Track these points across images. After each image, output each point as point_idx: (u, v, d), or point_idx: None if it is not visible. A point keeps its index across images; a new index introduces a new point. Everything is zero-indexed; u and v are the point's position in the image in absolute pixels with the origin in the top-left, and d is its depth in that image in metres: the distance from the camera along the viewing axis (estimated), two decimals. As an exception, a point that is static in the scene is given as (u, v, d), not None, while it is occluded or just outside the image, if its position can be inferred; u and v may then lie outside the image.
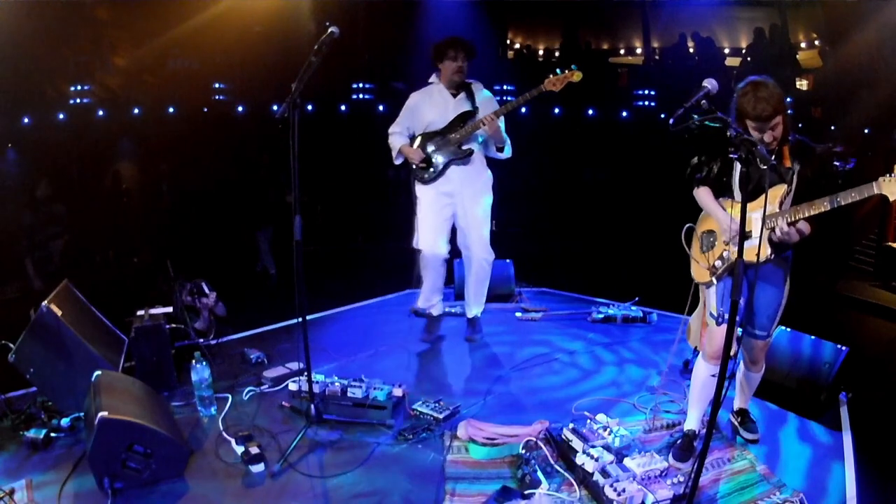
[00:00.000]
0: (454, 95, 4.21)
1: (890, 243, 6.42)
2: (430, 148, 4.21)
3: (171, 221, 6.77)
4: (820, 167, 2.77)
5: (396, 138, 4.29)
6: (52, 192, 6.42)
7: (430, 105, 4.21)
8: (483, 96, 4.23)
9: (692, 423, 3.12)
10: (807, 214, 2.63)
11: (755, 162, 2.31)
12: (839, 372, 3.51)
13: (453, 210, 4.32)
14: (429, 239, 4.32)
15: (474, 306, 4.59)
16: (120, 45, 6.99)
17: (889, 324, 5.44)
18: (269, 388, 3.76)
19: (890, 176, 2.45)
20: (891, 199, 2.47)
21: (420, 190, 4.33)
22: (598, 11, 8.73)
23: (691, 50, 8.65)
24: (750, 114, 2.63)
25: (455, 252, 4.53)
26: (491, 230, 4.41)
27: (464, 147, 4.18)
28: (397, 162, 4.35)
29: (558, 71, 3.94)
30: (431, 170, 4.24)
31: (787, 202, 2.77)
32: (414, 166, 4.27)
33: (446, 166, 4.22)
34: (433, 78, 4.27)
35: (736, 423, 3.35)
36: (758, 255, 2.73)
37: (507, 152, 4.26)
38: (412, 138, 4.29)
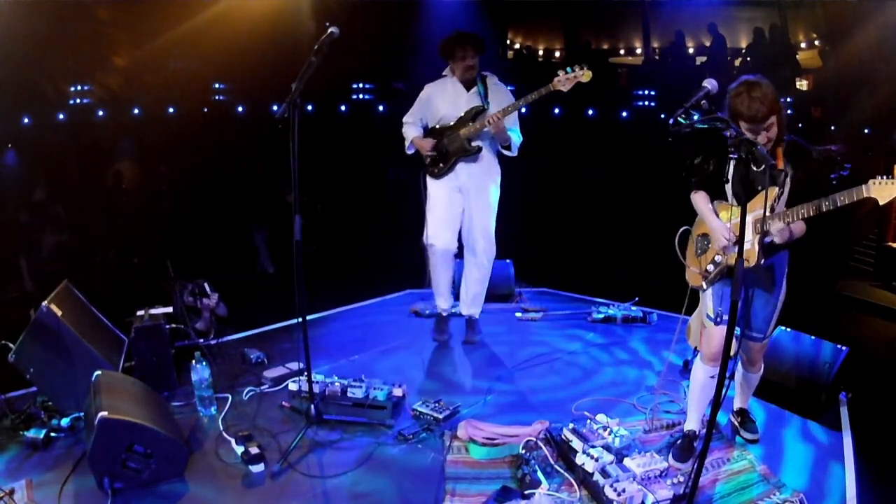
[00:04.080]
0: (468, 89, 4.18)
1: (890, 243, 6.42)
2: (442, 142, 4.20)
3: (171, 221, 6.76)
4: (815, 170, 2.72)
5: (410, 128, 4.30)
6: (50, 193, 6.44)
7: (443, 98, 4.19)
8: (497, 90, 4.18)
9: (692, 423, 3.12)
10: (796, 218, 2.58)
11: (754, 162, 2.30)
12: (839, 372, 3.51)
13: (463, 205, 4.32)
14: (441, 233, 4.30)
15: (473, 306, 4.56)
16: (120, 45, 6.97)
17: (889, 324, 5.43)
18: (269, 388, 3.76)
19: (881, 178, 2.39)
20: (881, 202, 2.41)
21: (431, 185, 4.33)
22: (598, 11, 8.72)
23: (691, 50, 8.66)
24: (744, 114, 2.57)
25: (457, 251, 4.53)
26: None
27: (473, 143, 4.17)
28: (409, 152, 4.36)
29: (568, 69, 3.81)
30: (441, 164, 4.23)
31: (778, 205, 2.73)
32: (427, 160, 4.27)
33: (455, 162, 4.22)
34: (447, 71, 4.24)
35: (736, 423, 3.34)
36: (751, 260, 2.69)
37: (514, 151, 4.23)
38: (425, 129, 4.29)
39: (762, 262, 2.75)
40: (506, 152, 4.25)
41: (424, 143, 4.21)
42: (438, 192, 4.31)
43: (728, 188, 2.87)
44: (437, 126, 4.24)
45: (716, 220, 2.89)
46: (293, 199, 3.07)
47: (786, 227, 2.63)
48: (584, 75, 3.80)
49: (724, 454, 3.12)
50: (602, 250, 6.70)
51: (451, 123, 4.18)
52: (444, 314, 4.61)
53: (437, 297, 4.58)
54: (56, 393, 3.33)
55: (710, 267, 2.94)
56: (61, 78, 6.78)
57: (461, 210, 4.33)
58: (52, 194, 6.47)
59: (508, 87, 4.26)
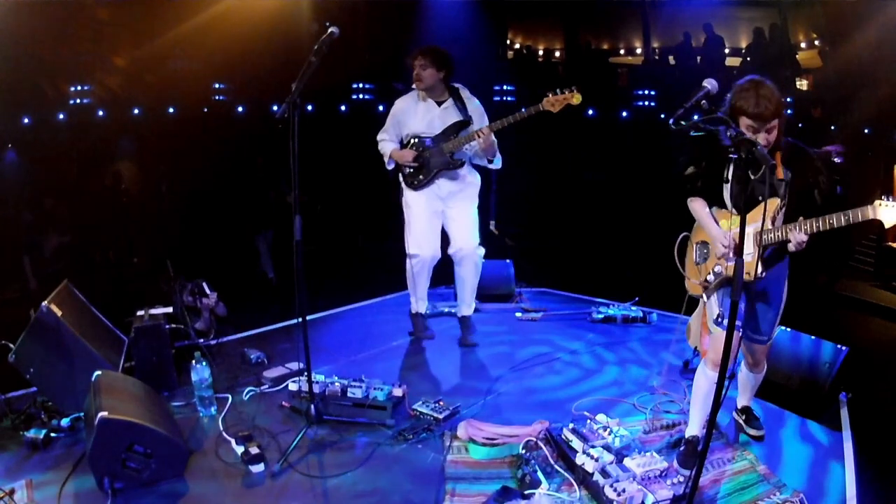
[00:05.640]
0: (440, 104, 4.16)
1: (890, 243, 6.42)
2: (423, 155, 4.19)
3: (171, 222, 6.77)
4: (813, 175, 2.66)
5: (386, 144, 4.28)
6: (51, 194, 6.45)
7: (414, 112, 4.18)
8: (472, 104, 4.17)
9: (695, 429, 3.07)
10: (808, 230, 2.52)
11: (754, 164, 2.27)
12: (839, 372, 3.51)
13: (444, 213, 4.32)
14: (424, 243, 4.30)
15: (466, 305, 4.57)
16: (120, 45, 6.98)
17: (889, 324, 5.43)
18: (269, 388, 3.76)
19: (885, 200, 2.38)
20: (887, 225, 2.39)
21: (410, 195, 4.31)
22: (598, 11, 8.73)
23: (695, 45, 8.66)
24: (750, 111, 2.53)
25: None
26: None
27: (455, 157, 4.15)
28: (390, 167, 4.34)
29: (558, 91, 3.82)
30: (421, 176, 4.22)
31: (780, 217, 2.70)
32: (406, 171, 4.25)
33: (436, 175, 4.20)
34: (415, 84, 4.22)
35: (740, 421, 3.34)
36: (751, 273, 2.65)
37: (497, 164, 4.22)
38: (402, 143, 4.27)
39: (763, 274, 2.69)
40: (490, 165, 4.23)
41: (404, 154, 4.18)
42: (418, 202, 4.28)
43: (726, 192, 2.82)
44: (415, 139, 4.20)
45: (715, 227, 2.85)
46: (293, 199, 3.08)
47: (806, 239, 2.54)
48: (574, 97, 3.78)
49: (725, 454, 3.12)
50: (602, 250, 6.70)
51: (433, 135, 4.15)
52: (421, 314, 4.62)
53: (414, 300, 4.56)
54: (56, 393, 3.33)
55: (710, 277, 2.91)
56: (61, 78, 6.78)
57: (441, 216, 4.33)
58: (53, 195, 6.48)
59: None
